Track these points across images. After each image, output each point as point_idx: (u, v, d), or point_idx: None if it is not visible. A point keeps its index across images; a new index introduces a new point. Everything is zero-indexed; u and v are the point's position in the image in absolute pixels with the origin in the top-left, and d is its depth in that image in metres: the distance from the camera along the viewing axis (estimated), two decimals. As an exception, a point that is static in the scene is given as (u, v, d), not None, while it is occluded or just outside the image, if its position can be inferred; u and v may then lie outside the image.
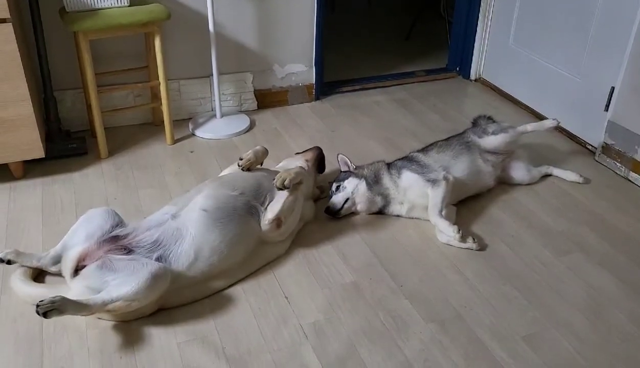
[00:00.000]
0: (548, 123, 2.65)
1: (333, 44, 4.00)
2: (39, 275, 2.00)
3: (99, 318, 1.83)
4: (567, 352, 1.78)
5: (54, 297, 1.66)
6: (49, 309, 1.63)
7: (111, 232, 1.94)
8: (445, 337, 1.82)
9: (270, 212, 2.07)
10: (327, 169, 2.62)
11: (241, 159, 2.27)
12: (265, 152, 2.35)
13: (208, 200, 2.01)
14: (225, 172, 2.38)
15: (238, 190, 2.09)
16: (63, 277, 1.93)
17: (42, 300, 1.65)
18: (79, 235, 1.93)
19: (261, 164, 2.35)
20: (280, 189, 2.09)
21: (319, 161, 2.54)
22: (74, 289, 1.83)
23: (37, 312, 1.63)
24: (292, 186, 2.09)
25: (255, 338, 1.81)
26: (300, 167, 2.28)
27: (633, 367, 1.74)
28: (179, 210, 2.01)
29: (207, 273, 1.94)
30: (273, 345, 1.78)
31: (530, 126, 2.62)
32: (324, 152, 2.60)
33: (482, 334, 1.84)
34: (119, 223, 1.99)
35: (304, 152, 2.58)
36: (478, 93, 3.67)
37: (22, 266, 1.97)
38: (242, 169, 2.27)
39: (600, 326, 1.88)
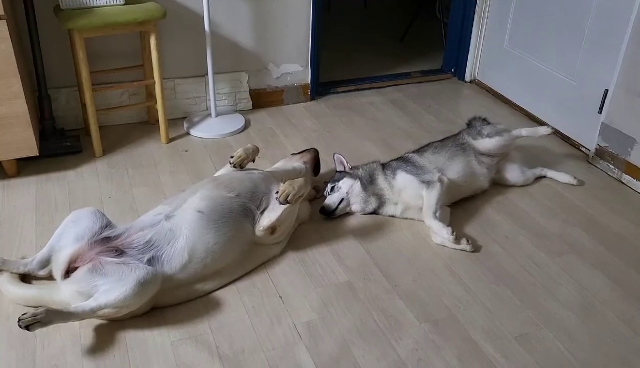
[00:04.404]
0: (542, 130, 2.63)
1: (329, 44, 4.01)
2: (26, 275, 1.97)
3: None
4: (560, 353, 1.79)
5: (36, 310, 1.64)
6: (30, 323, 1.62)
7: (101, 234, 1.91)
8: (438, 337, 1.83)
9: (267, 219, 2.05)
10: (323, 169, 2.62)
11: (232, 157, 2.27)
12: (256, 150, 2.35)
13: (204, 202, 2.00)
14: (220, 172, 2.37)
15: (234, 192, 2.07)
16: (53, 279, 1.91)
17: (24, 314, 1.63)
18: (68, 236, 1.91)
19: (253, 161, 2.34)
20: (282, 204, 2.03)
21: (315, 163, 2.54)
22: (65, 292, 1.81)
23: (20, 326, 1.62)
24: (294, 200, 2.05)
25: (249, 337, 1.81)
26: (305, 180, 2.13)
27: (625, 367, 1.76)
28: (173, 210, 1.99)
29: (200, 274, 1.93)
30: (267, 345, 1.78)
31: (525, 131, 2.62)
32: (319, 152, 2.60)
33: (476, 334, 1.84)
34: (108, 224, 1.96)
35: (300, 153, 2.57)
36: (473, 94, 3.68)
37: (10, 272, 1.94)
38: (234, 166, 2.27)
39: (592, 327, 1.89)
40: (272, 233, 2.09)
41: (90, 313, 1.72)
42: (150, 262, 1.84)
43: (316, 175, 2.56)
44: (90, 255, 1.84)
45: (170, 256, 1.88)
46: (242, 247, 2.04)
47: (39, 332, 1.77)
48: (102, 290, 1.74)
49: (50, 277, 1.94)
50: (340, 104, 3.48)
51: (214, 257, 1.94)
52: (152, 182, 2.60)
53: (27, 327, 1.62)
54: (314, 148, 2.59)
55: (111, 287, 1.74)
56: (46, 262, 1.94)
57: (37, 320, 1.63)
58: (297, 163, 2.45)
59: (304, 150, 2.58)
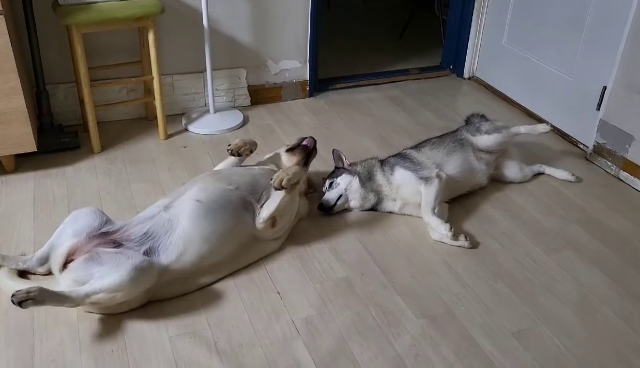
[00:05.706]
0: (540, 128, 2.64)
1: (327, 40, 4.00)
2: (24, 272, 1.98)
3: (89, 311, 1.83)
4: (557, 349, 1.80)
5: (30, 287, 1.65)
6: (23, 299, 1.62)
7: (100, 229, 1.92)
8: (436, 333, 1.83)
9: (266, 210, 2.06)
10: (321, 167, 2.62)
11: (230, 145, 2.28)
12: (253, 142, 2.34)
13: (203, 192, 2.01)
14: (219, 166, 2.37)
15: (234, 185, 2.08)
16: (52, 275, 1.92)
17: (18, 290, 1.64)
18: (67, 233, 1.91)
19: (251, 152, 2.34)
20: (277, 189, 2.06)
21: (307, 154, 2.44)
22: (62, 283, 1.82)
23: (13, 301, 1.62)
24: (290, 186, 2.06)
25: (247, 332, 1.81)
26: (299, 167, 2.16)
27: (622, 364, 1.76)
28: (172, 201, 2.01)
29: (197, 265, 1.93)
30: (265, 340, 1.79)
31: (524, 128, 2.63)
32: (317, 149, 2.54)
33: (473, 330, 1.85)
34: (107, 221, 1.97)
35: (294, 149, 2.46)
36: (471, 91, 3.68)
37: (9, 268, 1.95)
38: (232, 154, 2.27)
39: (590, 323, 1.90)
40: (273, 226, 2.10)
41: (85, 297, 1.72)
42: (147, 253, 1.85)
43: (309, 160, 2.47)
44: (88, 247, 1.85)
45: (166, 246, 1.88)
46: (240, 240, 2.04)
47: (37, 326, 1.77)
48: (97, 276, 1.75)
49: (48, 275, 1.94)
50: (339, 100, 3.47)
51: (211, 248, 1.94)
52: (150, 178, 2.60)
53: (20, 304, 1.62)
54: (310, 136, 2.50)
55: (107, 273, 1.74)
56: (45, 259, 1.94)
57: (30, 297, 1.63)
58: (288, 164, 2.39)
59: (297, 146, 2.45)
